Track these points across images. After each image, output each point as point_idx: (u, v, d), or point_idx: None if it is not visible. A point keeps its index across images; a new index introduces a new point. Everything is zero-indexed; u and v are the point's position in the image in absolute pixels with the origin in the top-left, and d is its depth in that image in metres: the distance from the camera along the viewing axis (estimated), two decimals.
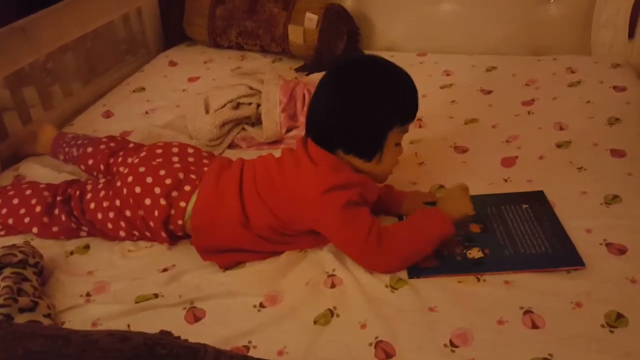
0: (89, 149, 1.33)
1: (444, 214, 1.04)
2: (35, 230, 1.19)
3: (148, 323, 0.97)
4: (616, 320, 0.92)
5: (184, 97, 1.73)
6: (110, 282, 1.07)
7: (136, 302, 1.02)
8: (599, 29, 1.79)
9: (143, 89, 1.82)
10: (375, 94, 1.04)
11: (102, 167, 1.28)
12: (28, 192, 1.22)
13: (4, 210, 1.21)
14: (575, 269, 1.02)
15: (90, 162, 1.31)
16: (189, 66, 1.94)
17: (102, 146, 1.31)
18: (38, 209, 1.18)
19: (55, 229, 1.19)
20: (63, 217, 1.17)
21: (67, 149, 1.41)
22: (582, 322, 0.92)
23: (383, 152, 1.07)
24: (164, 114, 1.65)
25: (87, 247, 1.18)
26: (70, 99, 1.75)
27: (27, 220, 1.19)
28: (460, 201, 1.07)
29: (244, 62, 1.96)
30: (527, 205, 1.18)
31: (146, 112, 1.68)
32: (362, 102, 1.04)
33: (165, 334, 0.62)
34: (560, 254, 1.05)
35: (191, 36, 2.08)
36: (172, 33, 2.10)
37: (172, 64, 1.97)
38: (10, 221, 1.20)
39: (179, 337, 0.63)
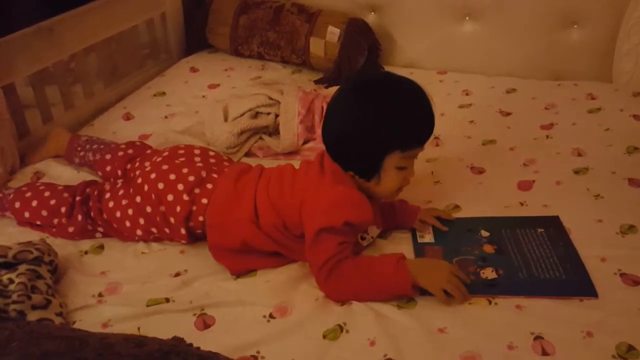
0: (108, 156, 1.34)
1: (409, 278, 0.99)
2: (53, 230, 1.21)
3: (158, 327, 0.97)
4: (627, 352, 0.91)
5: (203, 104, 1.75)
6: (122, 284, 1.08)
7: (147, 306, 1.02)
8: (620, 57, 1.78)
9: (163, 93, 1.83)
10: (375, 116, 1.02)
11: (119, 172, 1.30)
12: (47, 193, 1.23)
13: (27, 214, 1.23)
14: (589, 298, 1.01)
15: (108, 168, 1.32)
16: (210, 73, 1.96)
17: (121, 153, 1.33)
18: (63, 209, 1.20)
19: (71, 229, 1.20)
20: (79, 217, 1.19)
21: (82, 153, 1.42)
22: (592, 352, 0.91)
23: (380, 174, 1.06)
24: (182, 119, 1.67)
25: (101, 247, 1.19)
26: (91, 100, 1.77)
27: (50, 221, 1.21)
28: (438, 278, 1.00)
29: (264, 71, 1.98)
30: (542, 230, 1.17)
31: (165, 117, 1.69)
32: (360, 122, 1.03)
33: (178, 340, 0.63)
34: (574, 282, 1.04)
35: (213, 44, 2.10)
36: (195, 40, 2.12)
37: (193, 70, 1.99)
38: (38, 222, 1.22)
39: (191, 345, 0.63)
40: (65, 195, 1.22)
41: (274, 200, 1.10)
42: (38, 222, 1.23)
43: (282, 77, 1.90)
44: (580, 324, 0.95)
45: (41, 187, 1.27)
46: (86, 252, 1.18)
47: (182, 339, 0.63)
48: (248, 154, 1.51)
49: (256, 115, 1.55)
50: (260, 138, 1.53)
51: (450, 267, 1.04)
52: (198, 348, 0.62)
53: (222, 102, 1.60)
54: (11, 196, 1.26)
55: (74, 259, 1.15)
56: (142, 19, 1.96)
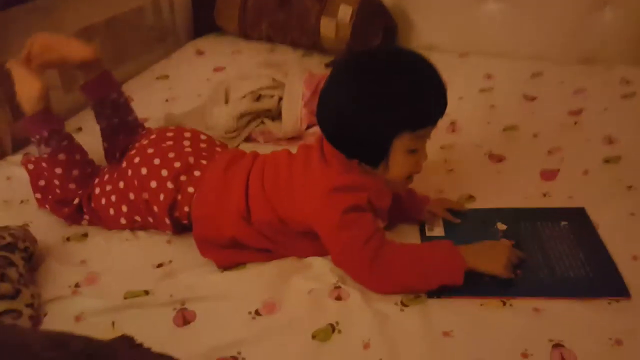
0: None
1: (463, 263, 0.91)
2: (49, 197, 1.14)
3: (134, 322, 0.89)
4: None
5: (206, 87, 1.66)
6: (101, 274, 1.00)
7: (125, 298, 0.94)
8: None
9: (167, 76, 1.76)
10: (378, 94, 0.89)
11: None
12: (75, 172, 1.13)
13: (42, 182, 1.15)
14: (618, 300, 0.89)
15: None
16: (216, 56, 1.88)
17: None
18: (72, 185, 1.12)
19: (66, 209, 1.13)
20: (76, 201, 1.12)
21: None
22: None
23: (389, 159, 0.93)
24: (184, 103, 1.59)
25: (85, 235, 1.11)
26: None
27: (53, 190, 1.13)
28: (498, 257, 0.94)
29: (272, 55, 1.89)
30: (565, 223, 1.05)
31: (166, 100, 1.62)
32: (362, 101, 0.89)
33: (126, 339, 0.54)
34: (603, 281, 0.93)
35: (221, 26, 2.01)
36: (202, 22, 2.04)
37: (199, 53, 1.91)
38: (42, 182, 1.14)
39: (139, 345, 0.54)
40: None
41: (269, 194, 0.99)
42: (42, 182, 1.14)
43: (292, 60, 1.80)
44: (607, 331, 0.84)
45: (77, 157, 1.15)
46: (68, 239, 1.10)
47: (131, 338, 0.54)
48: (248, 139, 1.42)
49: (259, 97, 1.45)
50: (262, 122, 1.44)
51: (506, 245, 0.96)
52: (149, 349, 0.53)
53: (223, 83, 1.51)
54: (45, 155, 1.13)
55: (55, 246, 1.08)
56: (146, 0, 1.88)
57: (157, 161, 1.06)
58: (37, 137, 1.12)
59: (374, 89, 0.89)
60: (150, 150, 1.08)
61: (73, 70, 1.24)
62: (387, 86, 0.89)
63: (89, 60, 1.18)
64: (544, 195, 1.15)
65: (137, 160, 1.08)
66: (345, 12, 1.74)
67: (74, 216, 1.13)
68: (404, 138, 0.91)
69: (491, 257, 0.94)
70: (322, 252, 0.99)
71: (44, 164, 1.13)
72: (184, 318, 0.90)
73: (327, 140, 0.96)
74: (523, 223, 1.06)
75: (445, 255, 0.93)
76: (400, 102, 0.89)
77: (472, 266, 0.92)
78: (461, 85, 1.62)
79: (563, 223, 1.05)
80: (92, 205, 1.11)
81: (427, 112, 0.92)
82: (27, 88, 1.12)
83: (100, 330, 0.87)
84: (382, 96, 0.89)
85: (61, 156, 1.12)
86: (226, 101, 1.45)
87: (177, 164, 1.05)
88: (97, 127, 1.32)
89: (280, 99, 1.44)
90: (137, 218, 1.08)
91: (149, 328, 0.88)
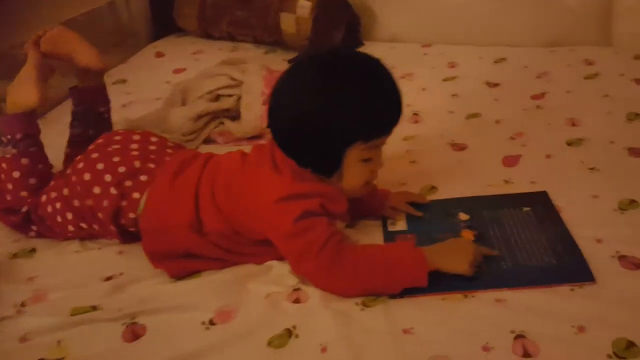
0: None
1: (426, 265, 0.87)
2: None
3: (81, 340, 0.85)
4: (626, 349, 0.76)
5: (166, 90, 1.62)
6: (49, 291, 0.96)
7: (71, 315, 0.90)
8: (619, 18, 1.63)
9: (124, 80, 1.72)
10: (330, 102, 0.86)
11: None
12: (32, 180, 1.09)
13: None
14: (582, 285, 0.87)
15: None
16: (176, 58, 1.84)
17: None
18: (24, 193, 1.08)
19: (13, 217, 1.08)
20: (24, 209, 1.08)
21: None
22: (584, 351, 0.77)
23: (342, 169, 0.91)
24: (142, 107, 1.54)
25: (33, 250, 1.07)
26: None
27: (3, 197, 1.09)
28: (462, 256, 0.89)
29: (234, 53, 1.85)
30: (528, 208, 1.03)
31: (123, 105, 1.57)
32: (313, 111, 0.87)
33: None
34: (566, 266, 0.91)
35: (181, 26, 1.97)
36: (162, 24, 2.00)
37: (159, 55, 1.88)
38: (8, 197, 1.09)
39: None
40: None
41: (221, 202, 0.95)
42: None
43: (254, 58, 1.76)
44: (570, 318, 0.82)
45: (40, 166, 1.11)
46: (15, 255, 1.06)
47: None
48: (208, 141, 1.38)
49: (217, 98, 1.42)
50: (221, 123, 1.40)
51: (470, 242, 0.94)
52: None
53: (180, 84, 1.47)
54: (8, 156, 1.10)
55: (1, 264, 1.03)
56: (102, 1, 1.83)
57: (100, 166, 1.02)
58: (9, 137, 1.09)
59: (326, 99, 0.87)
60: (94, 155, 1.05)
61: (73, 71, 1.26)
62: (339, 97, 0.87)
63: (94, 68, 1.22)
64: (506, 181, 1.13)
65: (80, 165, 1.04)
66: (303, 7, 1.71)
67: (22, 225, 1.09)
68: (357, 149, 0.89)
69: (455, 256, 0.90)
70: (280, 258, 0.96)
71: (3, 165, 1.10)
72: (134, 333, 0.85)
73: (278, 147, 0.93)
74: (485, 212, 1.04)
75: (408, 257, 0.89)
76: (353, 113, 0.87)
77: (436, 267, 0.88)
78: (424, 75, 1.61)
79: (525, 209, 1.03)
80: (39, 212, 1.07)
81: (381, 123, 0.90)
82: (23, 93, 1.12)
83: (45, 350, 0.83)
84: (334, 107, 0.87)
85: (24, 160, 1.10)
86: (184, 103, 1.41)
87: (122, 169, 1.01)
88: (54, 139, 1.29)
89: (240, 98, 1.41)
90: (84, 225, 1.04)
91: (96, 345, 0.84)
